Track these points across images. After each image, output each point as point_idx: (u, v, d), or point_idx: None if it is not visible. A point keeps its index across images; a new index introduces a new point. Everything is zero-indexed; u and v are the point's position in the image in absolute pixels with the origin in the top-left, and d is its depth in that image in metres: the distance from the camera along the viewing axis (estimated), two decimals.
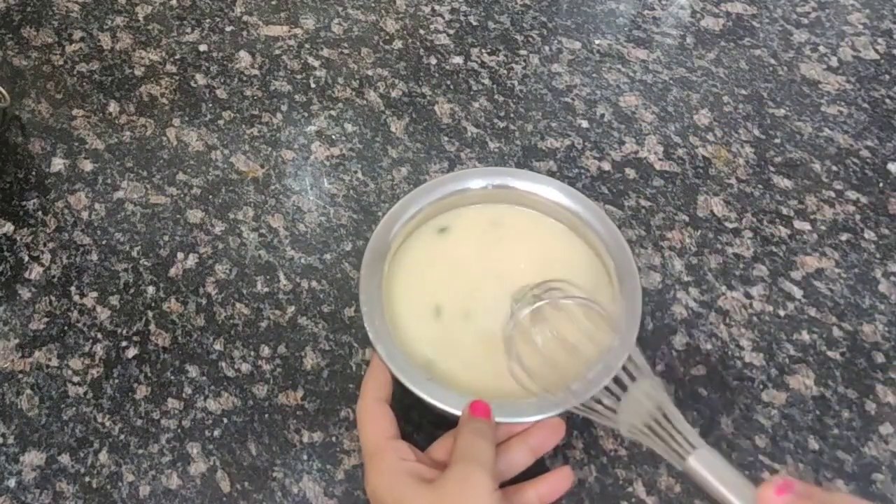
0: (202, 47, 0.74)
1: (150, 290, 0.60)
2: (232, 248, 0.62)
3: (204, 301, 0.59)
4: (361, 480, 0.52)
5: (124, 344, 0.57)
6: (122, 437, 0.54)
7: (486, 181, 0.56)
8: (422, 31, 0.75)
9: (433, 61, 0.73)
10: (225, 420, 0.54)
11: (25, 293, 0.60)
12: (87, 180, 0.65)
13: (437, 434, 0.53)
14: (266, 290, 0.60)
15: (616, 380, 0.45)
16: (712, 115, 0.69)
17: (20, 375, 0.56)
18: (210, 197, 0.65)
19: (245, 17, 0.76)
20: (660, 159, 0.66)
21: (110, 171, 0.66)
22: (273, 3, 0.77)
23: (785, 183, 0.65)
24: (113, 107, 0.70)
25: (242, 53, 0.73)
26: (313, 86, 0.71)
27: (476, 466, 0.43)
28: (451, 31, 0.75)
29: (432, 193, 0.55)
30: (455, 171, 0.60)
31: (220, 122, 0.69)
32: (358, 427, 0.48)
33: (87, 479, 0.52)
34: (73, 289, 0.60)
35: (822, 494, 0.37)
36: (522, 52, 0.74)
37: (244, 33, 0.75)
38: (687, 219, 0.63)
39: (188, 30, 0.75)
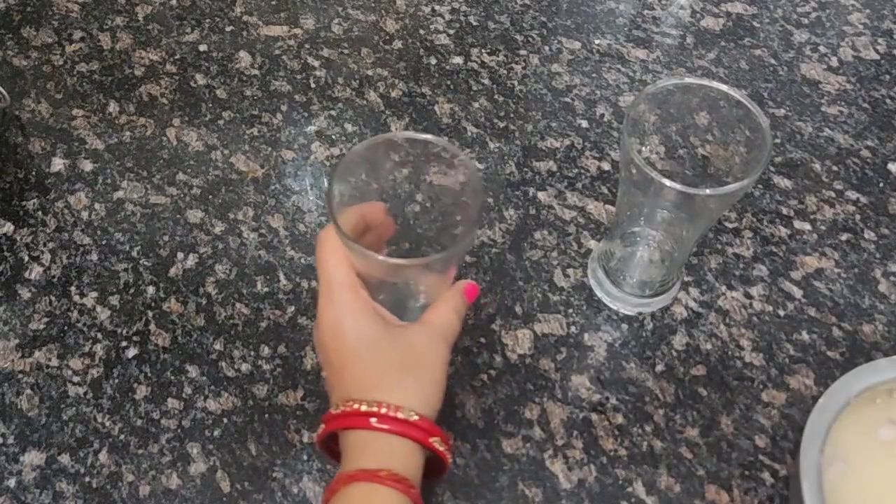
0: (202, 47, 0.74)
1: (150, 290, 0.60)
2: (232, 248, 0.62)
3: (204, 301, 0.59)
4: None
5: (124, 344, 0.57)
6: (122, 437, 0.54)
7: None
8: (422, 31, 0.75)
9: (433, 61, 0.73)
10: (225, 420, 0.54)
11: (25, 293, 0.60)
12: (87, 180, 0.65)
13: None
14: (266, 290, 0.60)
15: None
16: (712, 116, 0.69)
17: (20, 375, 0.56)
18: (210, 197, 0.65)
19: (245, 17, 0.76)
20: (661, 159, 0.66)
21: (110, 171, 0.66)
22: (273, 3, 0.77)
23: (785, 183, 0.65)
24: (113, 107, 0.70)
25: (242, 53, 0.73)
26: (313, 86, 0.71)
27: (446, 342, 0.44)
28: (451, 31, 0.75)
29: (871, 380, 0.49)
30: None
31: (220, 122, 0.69)
32: (320, 256, 0.44)
33: (87, 479, 0.52)
34: (73, 289, 0.60)
35: None
36: (522, 52, 0.74)
37: (244, 33, 0.75)
38: None
39: (188, 30, 0.75)
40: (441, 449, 0.42)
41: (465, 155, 0.45)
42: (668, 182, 0.45)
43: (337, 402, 0.42)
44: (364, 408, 0.41)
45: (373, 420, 0.40)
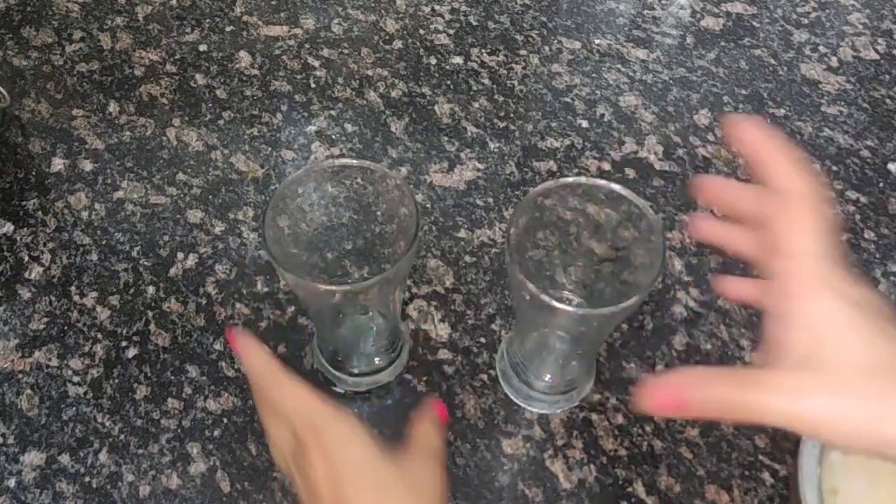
0: (202, 47, 0.74)
1: (150, 290, 0.60)
2: (232, 248, 0.62)
3: (204, 301, 0.59)
4: None
5: (124, 344, 0.57)
6: (122, 437, 0.54)
7: None
8: (422, 31, 0.75)
9: (433, 61, 0.73)
10: (225, 420, 0.54)
11: (25, 293, 0.60)
12: (87, 180, 0.65)
13: None
14: (266, 290, 0.60)
15: None
16: (712, 115, 0.69)
17: (20, 375, 0.56)
18: (210, 197, 0.65)
19: (245, 17, 0.76)
20: (660, 159, 0.66)
21: (110, 171, 0.66)
22: (273, 3, 0.77)
23: None
24: (113, 107, 0.70)
25: (242, 53, 0.73)
26: (313, 86, 0.71)
27: (439, 462, 0.43)
28: (451, 31, 0.75)
29: None
30: None
31: (220, 122, 0.69)
32: (295, 401, 0.40)
33: (87, 479, 0.52)
34: (73, 289, 0.60)
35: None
36: (522, 52, 0.74)
37: (244, 33, 0.75)
38: (687, 219, 0.63)
39: (188, 30, 0.75)
40: None
41: (398, 175, 0.45)
42: (561, 307, 0.42)
43: None
44: None
45: None
